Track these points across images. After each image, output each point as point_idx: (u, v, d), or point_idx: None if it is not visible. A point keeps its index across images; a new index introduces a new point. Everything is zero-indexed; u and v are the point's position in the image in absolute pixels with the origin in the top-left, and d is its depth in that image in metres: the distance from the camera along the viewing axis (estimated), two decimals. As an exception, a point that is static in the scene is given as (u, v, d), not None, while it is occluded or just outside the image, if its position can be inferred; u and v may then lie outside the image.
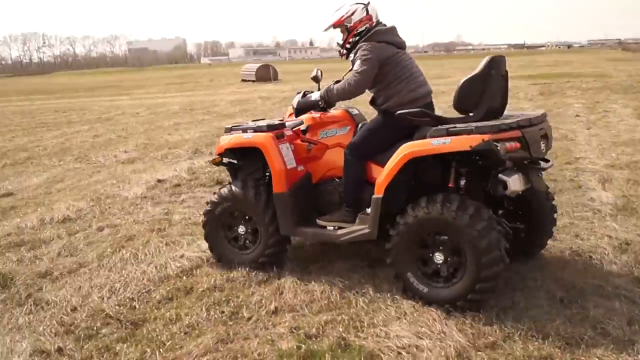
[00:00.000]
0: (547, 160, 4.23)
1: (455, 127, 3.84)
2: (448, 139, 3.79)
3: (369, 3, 4.45)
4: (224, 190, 4.83)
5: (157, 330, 3.82)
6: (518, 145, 3.71)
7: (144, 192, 7.57)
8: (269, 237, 4.67)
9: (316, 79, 4.89)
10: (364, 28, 4.41)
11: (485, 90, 4.00)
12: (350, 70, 4.39)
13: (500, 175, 3.89)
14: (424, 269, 4.02)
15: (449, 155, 3.95)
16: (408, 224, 3.95)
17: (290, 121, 4.89)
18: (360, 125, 4.65)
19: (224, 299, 4.25)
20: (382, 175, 4.10)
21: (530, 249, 4.66)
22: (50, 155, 11.13)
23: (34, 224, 6.25)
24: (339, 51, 4.63)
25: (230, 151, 4.83)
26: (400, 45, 4.43)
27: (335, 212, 4.55)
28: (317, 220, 4.57)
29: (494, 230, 3.76)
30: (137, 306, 4.20)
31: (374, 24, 4.43)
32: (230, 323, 3.90)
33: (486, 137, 3.66)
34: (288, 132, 4.76)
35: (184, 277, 4.69)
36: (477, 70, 4.02)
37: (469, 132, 3.75)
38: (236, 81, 38.33)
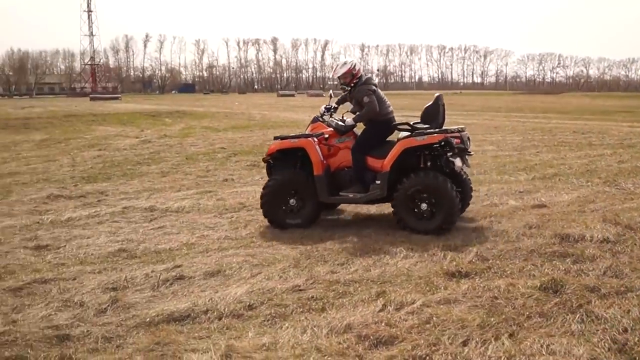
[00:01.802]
0: (469, 153, 7.61)
1: (428, 131, 7.28)
2: (426, 137, 7.20)
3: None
4: (276, 178, 7.78)
5: None
6: (459, 141, 7.23)
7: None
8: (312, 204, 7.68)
9: (340, 100, 8.46)
10: (360, 75, 7.75)
11: (436, 113, 7.55)
12: (351, 99, 7.98)
13: (450, 158, 7.18)
14: (415, 212, 7.20)
15: (419, 150, 7.36)
16: (406, 186, 7.14)
17: (316, 133, 7.83)
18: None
19: None
20: (387, 159, 7.32)
21: (463, 205, 7.73)
22: (577, 175, 11.51)
23: (576, 237, 6.74)
24: (344, 89, 7.96)
25: (278, 152, 7.86)
26: (377, 86, 7.84)
27: (351, 187, 7.60)
28: (340, 193, 7.62)
29: (452, 188, 7.10)
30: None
31: (363, 73, 7.81)
32: None
33: (445, 135, 7.18)
34: (316, 139, 7.73)
35: None
36: (431, 102, 7.64)
37: (435, 133, 7.24)
38: None
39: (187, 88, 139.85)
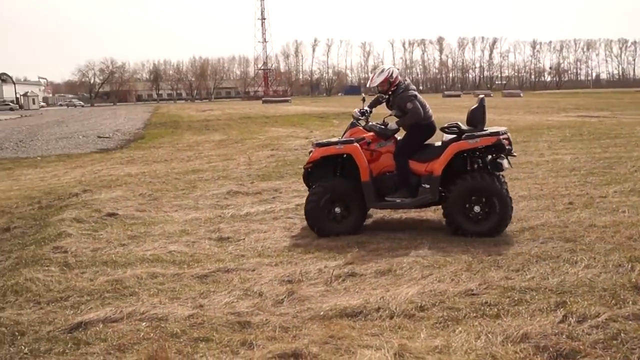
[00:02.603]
0: (514, 154, 7.67)
1: (479, 133, 7.32)
2: (478, 139, 7.26)
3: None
4: (322, 186, 7.57)
5: None
6: (508, 142, 7.35)
7: None
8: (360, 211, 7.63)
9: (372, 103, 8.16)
10: (399, 81, 7.73)
11: (482, 115, 7.54)
12: (390, 106, 7.91)
13: (498, 160, 7.40)
14: (468, 215, 7.21)
15: (466, 152, 7.40)
16: (459, 189, 7.19)
17: (357, 138, 7.62)
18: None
19: None
20: (439, 162, 7.30)
21: None
22: None
23: None
24: (382, 96, 7.95)
25: (322, 158, 7.70)
26: (417, 90, 7.85)
27: (396, 192, 7.53)
28: (386, 198, 7.53)
29: (503, 187, 7.34)
30: None
31: (401, 80, 7.79)
32: None
33: (498, 137, 7.26)
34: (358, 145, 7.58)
35: None
36: (477, 104, 7.56)
37: (487, 135, 7.31)
38: None
39: (353, 90, 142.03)
